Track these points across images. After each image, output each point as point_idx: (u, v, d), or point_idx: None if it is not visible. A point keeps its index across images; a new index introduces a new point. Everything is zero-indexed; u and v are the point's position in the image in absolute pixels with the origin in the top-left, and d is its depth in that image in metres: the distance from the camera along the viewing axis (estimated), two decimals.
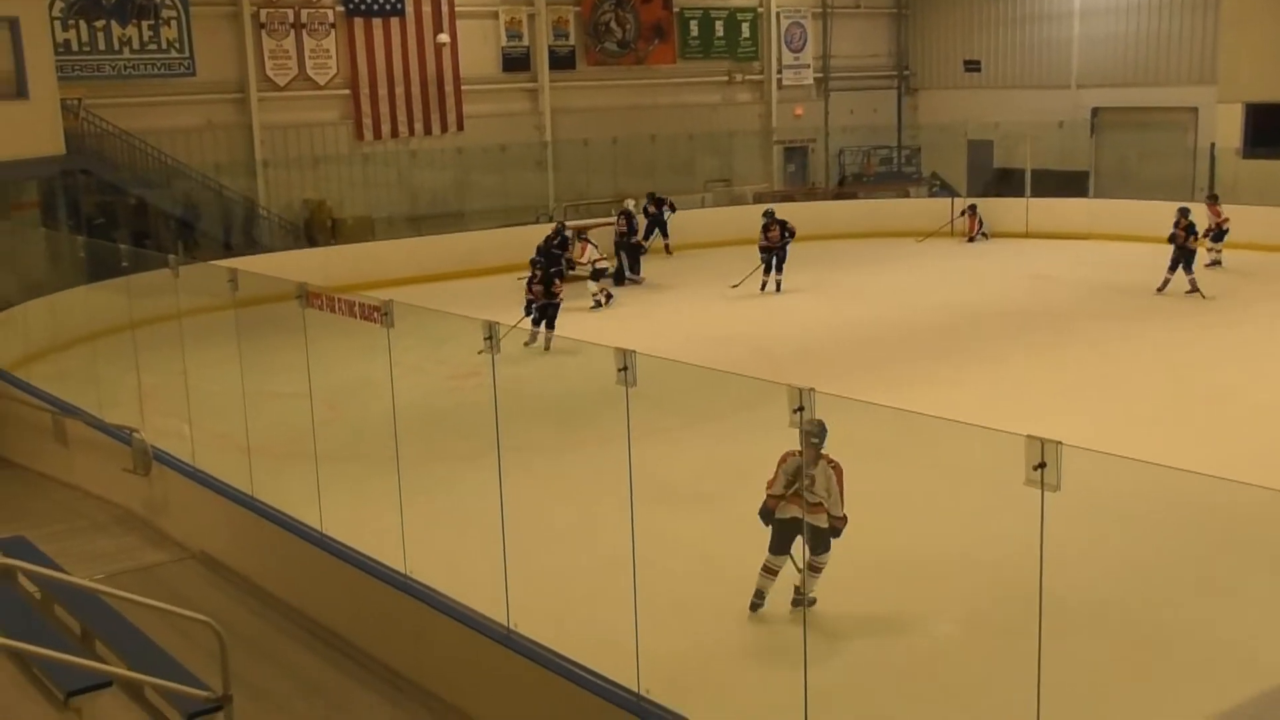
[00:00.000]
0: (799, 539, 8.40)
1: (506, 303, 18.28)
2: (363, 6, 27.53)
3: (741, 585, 8.77)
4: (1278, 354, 16.99)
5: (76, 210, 23.88)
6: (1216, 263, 23.06)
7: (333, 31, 27.34)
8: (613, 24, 31.31)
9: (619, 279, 24.36)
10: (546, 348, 17.50)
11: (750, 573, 8.71)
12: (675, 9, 32.21)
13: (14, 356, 16.65)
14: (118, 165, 24.74)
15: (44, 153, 20.72)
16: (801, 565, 8.45)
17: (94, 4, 24.43)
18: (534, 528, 9.62)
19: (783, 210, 23.94)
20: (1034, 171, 29.10)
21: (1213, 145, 28.20)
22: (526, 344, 17.28)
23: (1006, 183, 30.53)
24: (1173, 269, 20.88)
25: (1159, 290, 20.89)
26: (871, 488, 10.48)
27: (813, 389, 6.12)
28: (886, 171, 34.44)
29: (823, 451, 8.09)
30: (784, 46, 34.13)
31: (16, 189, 21.54)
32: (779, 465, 8.46)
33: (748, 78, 33.83)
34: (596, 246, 22.09)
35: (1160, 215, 23.53)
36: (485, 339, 7.87)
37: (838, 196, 32.58)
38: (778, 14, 33.78)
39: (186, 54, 25.55)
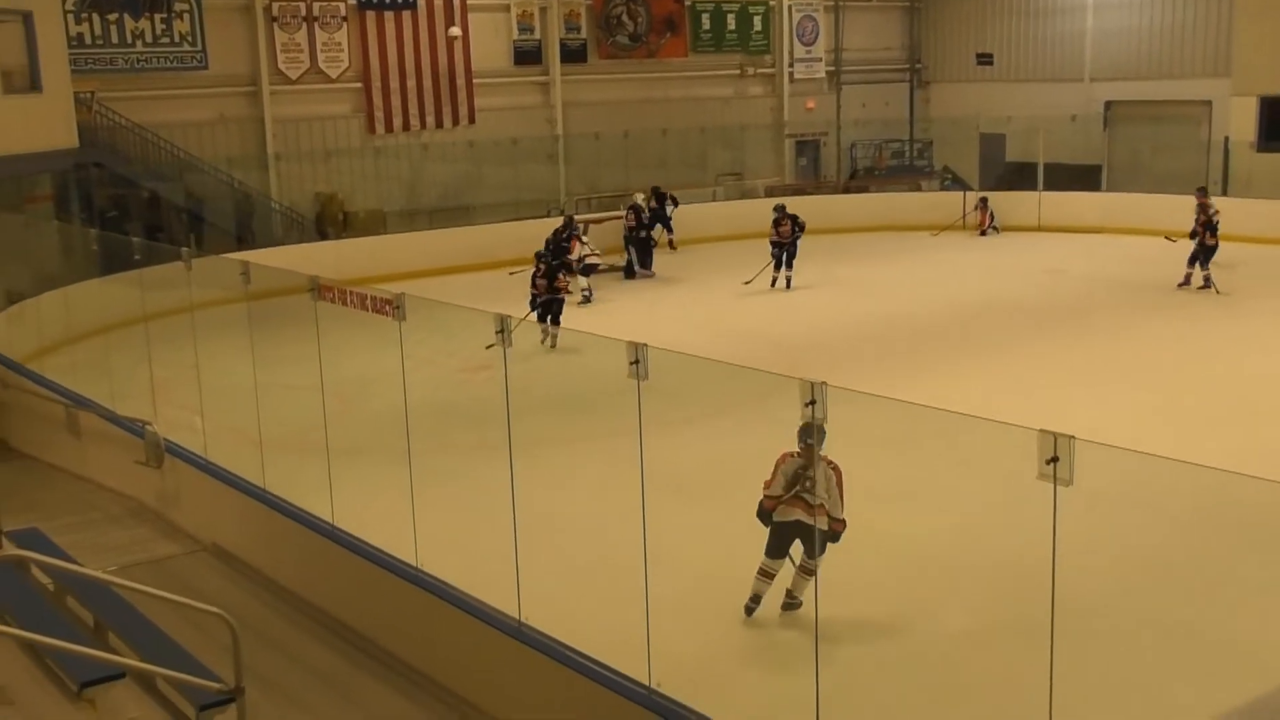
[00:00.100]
0: (797, 543, 8.35)
1: (516, 295, 18.27)
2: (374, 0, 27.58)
3: (752, 580, 8.75)
4: None
5: (89, 203, 23.96)
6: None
7: (344, 25, 27.36)
8: (624, 17, 31.28)
9: (628, 273, 24.36)
10: (552, 345, 16.84)
11: None
12: (687, 2, 32.18)
13: (27, 349, 16.71)
14: (130, 158, 24.83)
15: (57, 146, 20.79)
16: (796, 564, 8.41)
17: None
18: (545, 521, 9.61)
19: (794, 204, 23.86)
20: (1046, 165, 28.99)
21: (1226, 139, 28.09)
22: (542, 342, 16.90)
23: (1019, 176, 30.44)
24: (1192, 263, 20.82)
25: (1180, 286, 20.82)
26: (883, 481, 10.49)
27: (824, 382, 6.09)
28: (898, 165, 34.37)
29: (821, 453, 7.97)
30: (796, 39, 34.06)
31: (30, 182, 21.61)
32: (776, 466, 8.32)
33: (759, 71, 33.78)
34: (586, 243, 21.79)
35: (1173, 209, 23.54)
36: (497, 332, 7.86)
37: (849, 190, 32.54)
38: (789, 7, 33.71)
39: (199, 47, 25.60)
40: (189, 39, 25.45)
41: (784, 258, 22.22)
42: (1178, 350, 17.24)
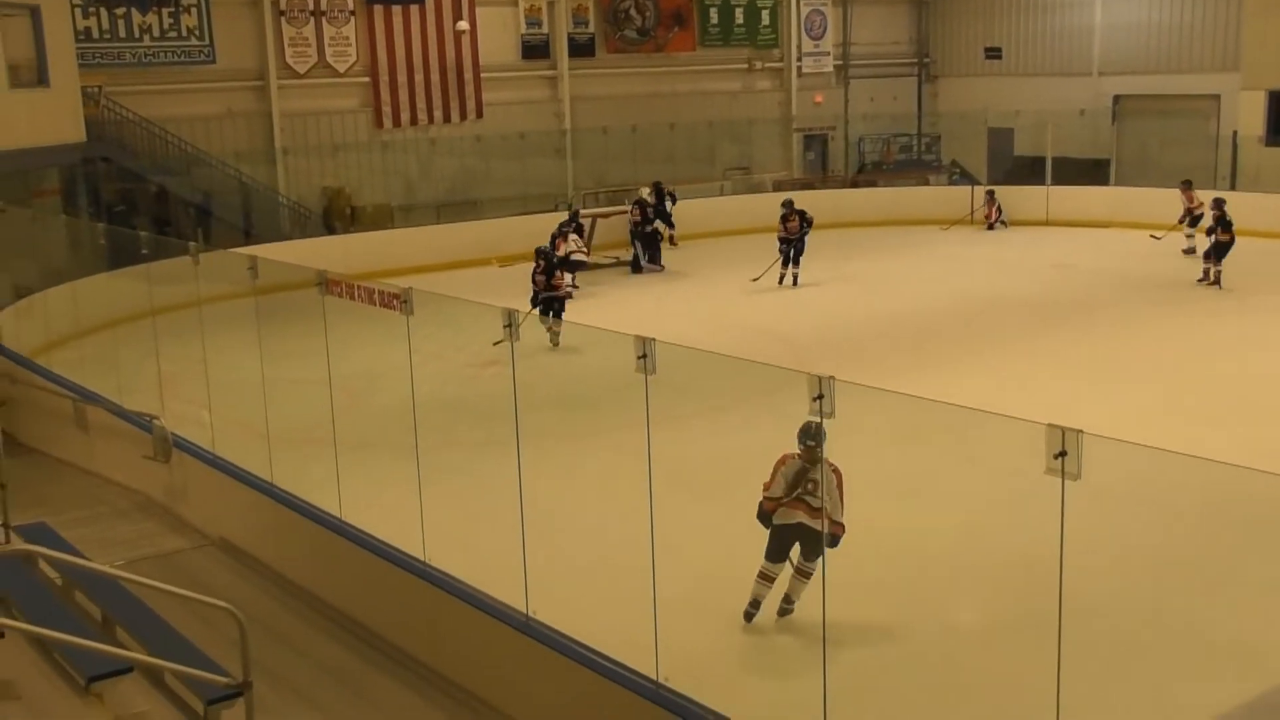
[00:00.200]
0: (796, 545, 8.30)
1: (517, 290, 18.20)
2: None
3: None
4: None
5: (97, 197, 23.99)
6: (1191, 250, 22.92)
7: (352, 19, 27.34)
8: (632, 11, 31.24)
9: (635, 267, 24.35)
10: (555, 344, 16.51)
11: None
12: None
13: (35, 343, 16.73)
14: (138, 153, 24.84)
15: (65, 140, 20.80)
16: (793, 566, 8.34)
17: None
18: (553, 515, 9.61)
19: (802, 199, 23.83)
20: (1055, 159, 28.88)
21: (1235, 133, 28.02)
22: (551, 341, 16.82)
23: (1027, 171, 30.38)
24: (1207, 257, 20.79)
25: (1199, 281, 20.75)
26: (890, 478, 10.48)
27: (832, 377, 6.07)
28: (906, 159, 34.33)
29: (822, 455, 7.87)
30: (804, 34, 34.00)
31: (38, 176, 21.63)
32: (776, 468, 8.17)
33: (767, 65, 33.72)
34: (575, 240, 21.33)
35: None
36: (504, 327, 7.85)
37: (857, 184, 32.48)
38: (797, 1, 33.65)
39: (206, 41, 25.60)
40: (196, 33, 25.46)
41: (792, 253, 22.15)
42: (1187, 344, 17.20)
